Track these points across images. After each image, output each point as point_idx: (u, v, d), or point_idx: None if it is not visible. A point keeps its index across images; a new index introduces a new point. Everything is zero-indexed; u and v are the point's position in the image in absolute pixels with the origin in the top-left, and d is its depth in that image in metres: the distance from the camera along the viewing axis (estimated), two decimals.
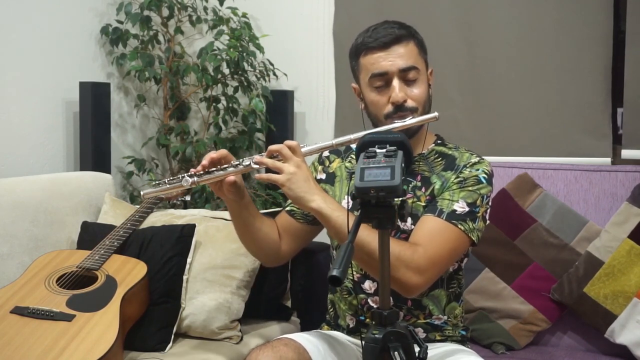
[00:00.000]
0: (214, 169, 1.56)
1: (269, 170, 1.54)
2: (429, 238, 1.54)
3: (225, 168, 1.55)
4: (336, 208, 1.49)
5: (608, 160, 2.32)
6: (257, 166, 1.54)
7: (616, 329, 1.96)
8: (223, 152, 1.59)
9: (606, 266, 2.01)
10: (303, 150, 1.54)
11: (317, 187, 1.52)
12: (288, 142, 1.53)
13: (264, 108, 2.62)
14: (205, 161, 1.56)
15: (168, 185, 1.57)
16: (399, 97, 1.60)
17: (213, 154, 1.57)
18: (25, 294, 1.76)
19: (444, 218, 1.57)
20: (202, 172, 1.55)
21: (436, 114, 1.57)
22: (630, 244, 2.00)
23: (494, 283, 2.12)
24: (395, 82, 1.61)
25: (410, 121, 1.57)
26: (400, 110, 1.61)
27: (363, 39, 1.65)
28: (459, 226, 1.57)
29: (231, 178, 1.56)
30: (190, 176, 1.55)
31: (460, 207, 1.58)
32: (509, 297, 2.10)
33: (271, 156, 1.54)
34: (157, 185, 1.60)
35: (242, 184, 1.61)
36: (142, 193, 1.61)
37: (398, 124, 1.57)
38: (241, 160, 1.56)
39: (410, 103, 1.61)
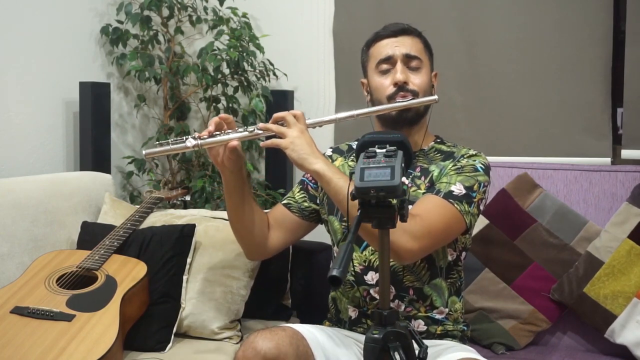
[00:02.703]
0: (217, 133, 1.61)
1: (274, 138, 1.60)
2: (425, 210, 1.59)
3: (228, 133, 1.61)
4: (337, 172, 1.56)
5: (608, 160, 2.31)
6: (261, 132, 1.60)
7: (616, 329, 1.96)
8: (229, 116, 1.66)
9: (606, 266, 2.01)
10: (307, 122, 1.62)
11: (320, 152, 1.58)
12: (293, 111, 1.61)
13: (264, 108, 2.62)
14: (211, 126, 1.62)
15: (171, 146, 1.61)
16: (401, 78, 1.69)
17: (221, 115, 1.64)
18: (25, 294, 1.76)
19: (441, 196, 1.63)
20: (205, 135, 1.60)
21: (436, 97, 1.67)
22: (630, 244, 2.00)
23: (494, 283, 2.12)
24: (399, 65, 1.70)
25: (410, 102, 1.66)
26: (401, 90, 1.69)
27: (375, 33, 1.77)
28: (455, 205, 1.61)
29: (233, 143, 1.60)
30: (194, 138, 1.59)
31: (458, 189, 1.64)
32: (509, 297, 2.10)
33: (276, 123, 1.60)
34: (160, 145, 1.62)
35: (242, 155, 1.67)
36: (144, 152, 1.64)
37: (399, 103, 1.66)
38: (245, 127, 1.62)
39: (411, 86, 1.70)
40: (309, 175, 1.83)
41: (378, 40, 1.75)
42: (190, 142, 1.58)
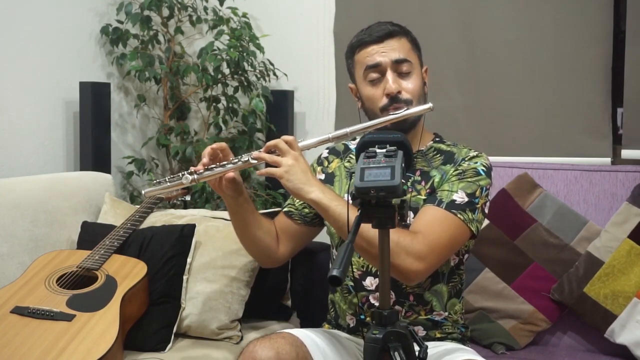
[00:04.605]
0: (213, 165, 1.59)
1: (268, 165, 1.57)
2: (428, 226, 1.56)
3: (224, 165, 1.59)
4: (334, 198, 1.52)
5: (608, 160, 2.32)
6: (255, 162, 1.58)
7: (616, 329, 1.96)
8: (223, 144, 1.63)
9: (606, 266, 2.01)
10: (300, 144, 1.58)
11: (315, 179, 1.55)
12: (285, 137, 1.58)
13: (264, 108, 2.62)
14: (205, 159, 1.60)
15: (168, 184, 1.62)
16: (393, 88, 1.63)
17: (213, 145, 1.61)
18: (25, 293, 1.76)
19: (444, 207, 1.59)
20: (201, 170, 1.59)
21: (430, 104, 1.60)
22: (630, 244, 2.00)
23: (494, 283, 2.12)
24: (389, 74, 1.65)
25: (404, 112, 1.60)
26: (395, 101, 1.64)
27: (358, 37, 1.71)
28: (459, 215, 1.59)
29: (230, 174, 1.59)
30: (190, 174, 1.59)
31: (460, 197, 1.61)
32: (509, 297, 2.10)
33: (269, 151, 1.57)
34: (157, 184, 1.64)
35: (241, 181, 1.65)
36: (143, 192, 1.66)
37: (392, 116, 1.61)
38: (240, 156, 1.60)
39: (404, 95, 1.65)
40: None
41: (363, 47, 1.68)
42: (186, 178, 1.58)
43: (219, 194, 1.66)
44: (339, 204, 1.50)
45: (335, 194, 1.56)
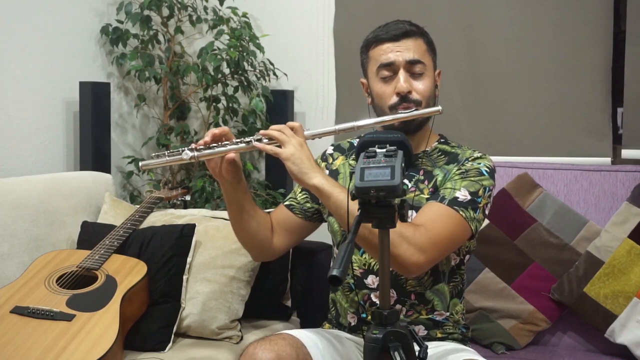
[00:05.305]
0: (214, 144, 1.58)
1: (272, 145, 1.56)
2: (430, 220, 1.56)
3: (225, 145, 1.58)
4: (336, 185, 1.53)
5: (608, 160, 2.32)
6: (258, 144, 1.57)
7: (616, 329, 1.96)
8: (225, 129, 1.61)
9: (606, 266, 2.01)
10: (306, 133, 1.58)
11: (318, 167, 1.55)
12: (290, 122, 1.58)
13: (264, 108, 2.62)
14: (207, 137, 1.59)
15: (167, 158, 1.59)
16: (404, 87, 1.64)
17: (215, 130, 1.60)
18: (25, 293, 1.76)
19: (446, 204, 1.60)
20: (202, 147, 1.57)
21: (439, 107, 1.61)
22: (630, 244, 2.00)
23: (494, 283, 2.12)
24: (402, 73, 1.65)
25: (413, 113, 1.61)
26: (404, 101, 1.65)
27: (374, 33, 1.71)
28: (460, 212, 1.59)
29: (231, 155, 1.58)
30: (191, 150, 1.57)
31: (462, 195, 1.61)
32: (509, 297, 2.10)
33: (272, 138, 1.57)
34: (156, 157, 1.60)
35: (240, 166, 1.64)
36: (140, 164, 1.63)
37: (402, 115, 1.61)
38: (242, 138, 1.58)
39: (414, 95, 1.65)
40: None
41: (378, 44, 1.68)
42: (186, 154, 1.56)
43: (218, 180, 1.65)
44: (341, 192, 1.51)
45: (337, 182, 1.57)
